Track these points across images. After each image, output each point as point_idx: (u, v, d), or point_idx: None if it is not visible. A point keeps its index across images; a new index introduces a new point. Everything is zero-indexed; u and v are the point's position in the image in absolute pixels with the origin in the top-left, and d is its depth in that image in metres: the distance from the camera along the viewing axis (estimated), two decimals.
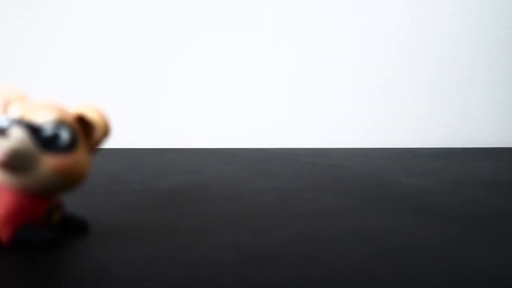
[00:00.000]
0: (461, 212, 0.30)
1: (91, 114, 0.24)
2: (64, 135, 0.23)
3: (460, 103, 0.72)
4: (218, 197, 0.35)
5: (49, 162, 0.22)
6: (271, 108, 0.72)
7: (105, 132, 0.24)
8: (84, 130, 0.24)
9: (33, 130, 0.22)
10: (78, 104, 0.24)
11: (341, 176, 0.45)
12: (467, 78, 0.72)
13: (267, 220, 0.28)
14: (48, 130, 0.22)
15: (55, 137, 0.22)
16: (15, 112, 0.23)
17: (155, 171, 0.47)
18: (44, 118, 0.22)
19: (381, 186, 0.39)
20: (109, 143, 0.64)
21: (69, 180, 0.23)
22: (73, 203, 0.32)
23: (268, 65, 0.71)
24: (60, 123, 0.23)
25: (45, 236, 0.23)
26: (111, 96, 0.70)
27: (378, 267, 0.20)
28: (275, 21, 0.71)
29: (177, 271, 0.19)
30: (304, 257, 0.21)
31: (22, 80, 0.69)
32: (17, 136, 0.21)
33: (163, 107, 0.71)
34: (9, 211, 0.22)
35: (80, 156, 0.23)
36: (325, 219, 0.28)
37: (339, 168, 0.50)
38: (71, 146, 0.23)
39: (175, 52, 0.71)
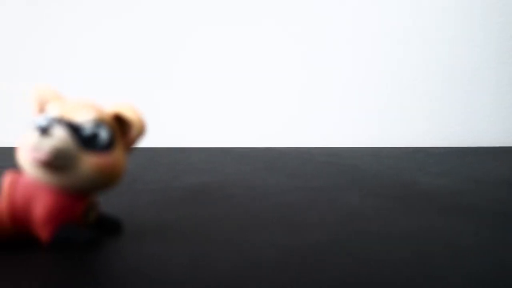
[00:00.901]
0: (489, 211, 0.30)
1: (128, 113, 0.23)
2: (103, 134, 0.22)
3: (469, 102, 0.72)
4: (241, 196, 0.35)
5: (89, 162, 0.22)
6: (279, 108, 0.72)
7: (141, 131, 0.24)
8: (120, 129, 0.24)
9: (74, 129, 0.22)
10: (114, 103, 0.24)
11: (358, 175, 0.45)
12: (477, 78, 0.72)
13: (299, 219, 0.28)
14: (88, 129, 0.22)
15: (94, 136, 0.22)
16: (54, 111, 0.22)
17: (170, 170, 0.47)
18: (84, 117, 0.22)
19: (401, 185, 0.39)
20: None
21: (107, 179, 0.23)
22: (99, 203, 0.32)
23: (277, 64, 0.71)
24: (99, 122, 0.23)
25: (84, 235, 0.23)
26: (122, 95, 0.70)
27: (425, 267, 0.20)
28: (287, 20, 0.71)
29: (219, 271, 0.19)
30: (348, 256, 0.21)
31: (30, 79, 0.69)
32: (60, 135, 0.21)
33: (172, 106, 0.71)
34: (50, 211, 0.22)
35: (118, 155, 0.23)
36: (357, 218, 0.28)
37: (354, 167, 0.50)
38: (109, 145, 0.23)
39: (187, 53, 0.71)
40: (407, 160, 0.55)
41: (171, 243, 0.23)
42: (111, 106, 0.24)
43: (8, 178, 0.22)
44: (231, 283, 0.18)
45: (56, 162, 0.21)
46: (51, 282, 0.18)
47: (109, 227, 0.25)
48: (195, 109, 0.70)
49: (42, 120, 0.22)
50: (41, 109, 0.24)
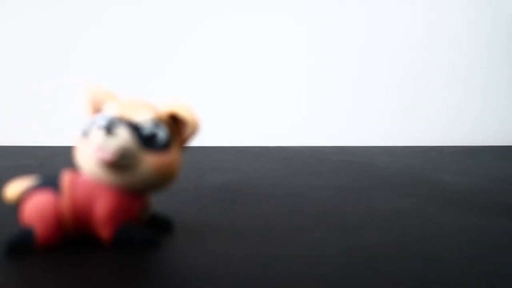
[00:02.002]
0: None
1: (183, 112, 0.23)
2: (161, 134, 0.23)
3: (479, 102, 0.73)
4: (275, 195, 0.35)
5: (149, 161, 0.22)
6: (291, 107, 0.72)
7: (196, 130, 0.24)
8: (174, 128, 0.24)
9: (134, 129, 0.22)
10: (169, 102, 0.24)
11: (381, 174, 0.45)
12: (488, 77, 0.73)
13: (343, 219, 0.28)
14: (147, 129, 0.22)
15: (153, 136, 0.22)
16: (113, 110, 0.22)
17: (195, 170, 0.47)
18: (143, 117, 0.22)
19: (428, 185, 0.40)
20: None
21: (165, 179, 0.23)
22: None
23: (288, 64, 0.71)
24: (158, 122, 0.23)
25: (143, 233, 0.23)
26: (137, 94, 0.70)
27: (486, 267, 0.20)
28: (299, 20, 0.71)
29: (280, 268, 0.20)
30: (412, 256, 0.21)
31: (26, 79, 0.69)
32: (123, 134, 0.21)
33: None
34: (111, 210, 0.22)
35: (174, 154, 0.23)
36: (401, 218, 0.29)
37: (372, 166, 0.50)
38: (167, 144, 0.23)
39: (203, 55, 0.71)
40: (422, 159, 0.56)
41: (229, 241, 0.24)
42: (166, 105, 0.24)
43: (67, 177, 0.22)
44: (301, 281, 0.18)
45: (120, 162, 0.21)
46: (114, 280, 0.18)
47: (161, 225, 0.25)
48: (207, 109, 0.70)
49: (102, 120, 0.22)
50: (95, 109, 0.24)
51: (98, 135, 0.21)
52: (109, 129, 0.21)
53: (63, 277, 0.19)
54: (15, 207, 0.24)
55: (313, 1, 0.72)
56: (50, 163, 0.52)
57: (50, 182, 0.22)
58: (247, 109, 0.71)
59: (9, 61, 0.69)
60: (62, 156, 0.57)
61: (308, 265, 0.20)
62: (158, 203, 0.32)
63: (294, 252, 0.22)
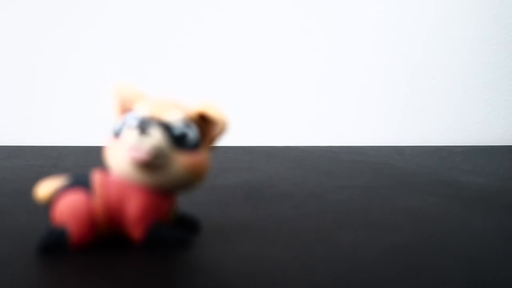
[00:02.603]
0: None
1: (212, 112, 0.23)
2: (192, 134, 0.22)
3: (487, 101, 0.73)
4: (295, 195, 0.35)
5: (181, 161, 0.22)
6: (298, 106, 0.72)
7: (225, 130, 0.24)
8: (203, 127, 0.24)
9: (166, 128, 0.22)
10: (198, 101, 0.24)
11: (396, 173, 0.45)
12: (495, 77, 0.73)
13: (370, 219, 0.28)
14: (178, 128, 0.22)
15: (184, 136, 0.22)
16: (144, 110, 0.22)
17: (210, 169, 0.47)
18: (174, 117, 0.22)
19: (446, 184, 0.40)
20: None
21: (196, 178, 0.23)
22: None
23: (296, 63, 0.71)
24: (188, 121, 0.23)
25: (175, 234, 0.23)
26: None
27: None
28: (309, 20, 0.71)
29: (320, 270, 0.20)
30: (448, 256, 0.21)
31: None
32: (157, 134, 0.21)
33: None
34: (143, 210, 0.22)
35: (204, 154, 0.23)
36: (429, 217, 0.29)
37: (386, 165, 0.51)
38: (197, 144, 0.23)
39: (206, 52, 0.71)
40: (434, 158, 0.56)
41: (258, 242, 0.24)
42: (194, 104, 0.24)
43: (98, 177, 0.22)
44: (347, 284, 0.18)
45: (154, 162, 0.21)
46: (146, 279, 0.18)
47: (188, 225, 0.25)
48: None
49: (134, 120, 0.22)
50: (124, 108, 0.24)
51: (131, 135, 0.21)
52: (143, 128, 0.21)
53: (96, 277, 0.19)
54: (40, 205, 0.24)
55: (324, 1, 0.72)
56: (62, 163, 0.52)
57: (81, 181, 0.22)
58: (255, 109, 0.71)
59: (18, 61, 0.69)
60: (73, 156, 0.57)
61: (348, 266, 0.20)
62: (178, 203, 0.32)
63: (329, 253, 0.22)
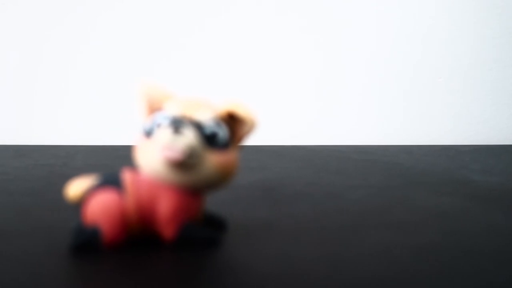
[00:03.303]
0: None
1: (241, 111, 0.23)
2: (222, 133, 0.23)
3: (494, 101, 0.73)
4: (311, 194, 0.35)
5: (212, 160, 0.22)
6: (303, 105, 0.72)
7: (253, 129, 0.24)
8: (231, 126, 0.24)
9: (198, 127, 0.22)
10: (226, 100, 0.24)
11: (407, 173, 0.45)
12: (500, 76, 0.73)
13: (390, 218, 0.28)
14: (208, 127, 0.22)
15: (215, 135, 0.22)
16: (175, 109, 0.22)
17: None
18: (205, 116, 0.22)
19: (460, 183, 0.40)
20: None
21: (227, 177, 0.23)
22: None
23: (301, 62, 0.71)
24: (218, 120, 0.23)
25: (206, 233, 0.23)
26: None
27: None
28: (312, 19, 0.71)
29: (351, 269, 0.20)
30: (476, 254, 0.22)
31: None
32: (190, 133, 0.21)
33: None
34: (174, 209, 0.22)
35: (233, 153, 0.23)
36: (451, 216, 0.29)
37: (396, 164, 0.51)
38: (227, 143, 0.23)
39: (211, 52, 0.71)
40: (442, 157, 0.56)
41: (285, 241, 0.24)
42: (223, 103, 0.24)
43: (128, 176, 0.22)
44: (380, 283, 0.18)
45: (187, 161, 0.21)
46: (176, 279, 0.18)
47: (215, 224, 0.25)
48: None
49: (165, 119, 0.22)
50: (151, 108, 0.24)
51: (164, 134, 0.21)
52: (177, 128, 0.21)
53: (127, 276, 0.19)
54: (66, 204, 0.24)
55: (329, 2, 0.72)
56: (72, 162, 0.52)
57: (111, 181, 0.22)
58: (262, 108, 0.71)
59: (23, 61, 0.69)
60: (81, 155, 0.57)
61: (381, 265, 0.20)
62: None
63: (359, 252, 0.22)
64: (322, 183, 0.40)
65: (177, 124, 0.21)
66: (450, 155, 0.58)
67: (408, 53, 0.73)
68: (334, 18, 0.72)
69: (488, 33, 0.73)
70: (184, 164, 0.21)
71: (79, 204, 0.22)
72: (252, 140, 0.69)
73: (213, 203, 0.30)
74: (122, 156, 0.56)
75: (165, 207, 0.22)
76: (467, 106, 0.73)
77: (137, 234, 0.22)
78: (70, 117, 0.69)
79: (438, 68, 0.73)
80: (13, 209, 0.29)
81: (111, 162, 0.52)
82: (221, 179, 0.23)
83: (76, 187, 0.22)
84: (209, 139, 0.22)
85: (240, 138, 0.24)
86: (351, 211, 0.30)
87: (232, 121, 0.24)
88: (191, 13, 0.70)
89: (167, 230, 0.22)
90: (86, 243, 0.21)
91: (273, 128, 0.70)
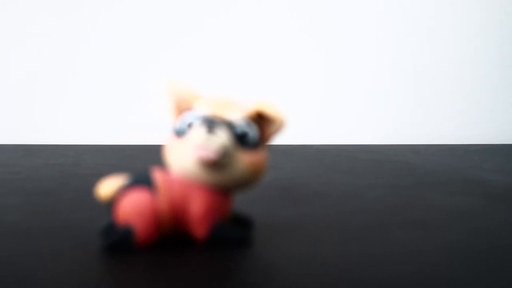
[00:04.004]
0: None
1: (270, 110, 0.23)
2: (252, 132, 0.23)
3: (501, 101, 0.73)
4: (328, 194, 0.35)
5: (243, 159, 0.22)
6: (311, 105, 0.72)
7: (282, 128, 0.24)
8: (260, 126, 0.24)
9: (230, 127, 0.22)
10: (254, 99, 0.24)
11: (419, 172, 0.45)
12: (504, 76, 0.73)
13: (411, 217, 0.29)
14: (239, 127, 0.22)
15: (245, 134, 0.22)
16: (205, 109, 0.22)
17: None
18: (236, 116, 0.22)
19: (473, 182, 0.40)
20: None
21: (257, 177, 0.23)
22: None
23: (307, 61, 0.72)
24: (249, 120, 0.23)
25: (237, 232, 0.23)
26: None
27: None
28: (316, 19, 0.71)
29: (379, 267, 0.20)
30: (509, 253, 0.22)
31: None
32: (223, 133, 0.21)
33: None
34: (206, 209, 0.22)
35: (263, 152, 0.23)
36: (473, 216, 0.29)
37: (406, 164, 0.51)
38: (257, 142, 0.23)
39: (213, 51, 0.71)
40: (451, 157, 0.56)
41: (311, 240, 0.24)
42: (251, 103, 0.24)
43: (159, 176, 0.22)
44: (407, 280, 0.18)
45: (221, 160, 0.21)
46: (209, 278, 0.18)
47: (242, 223, 0.25)
48: None
49: (196, 119, 0.22)
50: (178, 107, 0.24)
51: (198, 134, 0.21)
52: (211, 127, 0.21)
53: (161, 276, 0.19)
54: (99, 204, 0.24)
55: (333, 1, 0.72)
56: (82, 161, 0.52)
57: (142, 180, 0.22)
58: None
59: (33, 61, 0.69)
60: (90, 155, 0.57)
61: (411, 264, 0.20)
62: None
63: (386, 251, 0.22)
64: (336, 183, 0.40)
65: (210, 124, 0.21)
66: (459, 155, 0.59)
67: (415, 52, 0.73)
68: (339, 18, 0.72)
69: (495, 31, 0.73)
70: (217, 163, 0.21)
71: (110, 203, 0.22)
72: None
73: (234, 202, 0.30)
74: (130, 155, 0.56)
75: (197, 206, 0.22)
76: (474, 105, 0.74)
77: (168, 234, 0.22)
78: (74, 117, 0.69)
79: (444, 67, 0.73)
80: (33, 209, 0.29)
81: (120, 162, 0.52)
82: (252, 178, 0.23)
83: (107, 187, 0.22)
84: (240, 139, 0.22)
85: (268, 137, 0.24)
86: (371, 210, 0.30)
87: (261, 121, 0.24)
88: (191, 13, 0.70)
89: (199, 230, 0.22)
90: (119, 242, 0.21)
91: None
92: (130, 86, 0.70)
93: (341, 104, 0.73)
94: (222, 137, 0.21)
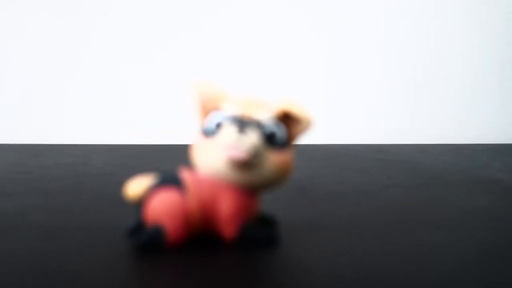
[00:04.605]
0: None
1: (297, 110, 0.23)
2: (280, 132, 0.23)
3: (507, 100, 0.74)
4: (343, 193, 0.35)
5: (273, 159, 0.22)
6: (314, 104, 0.72)
7: (309, 127, 0.24)
8: (286, 125, 0.24)
9: (259, 127, 0.22)
10: (280, 99, 0.24)
11: (430, 172, 0.45)
12: (508, 76, 0.73)
13: (433, 215, 0.29)
14: (269, 127, 0.22)
15: (274, 134, 0.22)
16: (233, 109, 0.22)
17: None
18: (264, 115, 0.22)
19: (486, 182, 0.40)
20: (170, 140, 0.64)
21: (285, 176, 0.23)
22: None
23: (316, 59, 0.72)
24: (277, 120, 0.23)
25: (265, 232, 0.23)
26: (174, 96, 0.70)
27: None
28: (321, 16, 0.71)
29: (400, 266, 0.20)
30: None
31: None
32: (253, 133, 0.21)
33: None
34: (235, 209, 0.22)
35: (290, 152, 0.23)
36: (498, 216, 0.29)
37: (415, 163, 0.51)
38: (285, 142, 0.23)
39: (213, 53, 0.70)
40: (459, 156, 0.56)
41: (336, 239, 0.24)
42: (278, 102, 0.24)
43: (188, 176, 0.22)
44: (448, 280, 0.18)
45: (251, 160, 0.21)
46: (239, 278, 0.18)
47: (267, 223, 0.25)
48: None
49: (225, 119, 0.22)
50: (205, 107, 0.24)
51: (229, 134, 0.21)
52: (242, 127, 0.21)
53: (191, 275, 0.19)
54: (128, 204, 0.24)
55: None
56: (91, 161, 0.52)
57: (171, 180, 0.22)
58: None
59: (37, 61, 0.68)
60: (98, 154, 0.57)
61: (444, 263, 0.20)
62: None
63: (417, 250, 0.22)
64: (351, 182, 0.40)
65: (241, 124, 0.21)
66: (466, 154, 0.59)
67: (421, 51, 0.73)
68: (344, 16, 0.72)
69: (501, 29, 0.73)
70: (247, 163, 0.21)
71: (139, 203, 0.22)
72: None
73: None
74: (138, 155, 0.56)
75: (227, 206, 0.22)
76: (479, 104, 0.74)
77: (197, 234, 0.22)
78: (79, 117, 0.69)
79: (449, 66, 0.73)
80: (56, 209, 0.29)
81: (129, 161, 0.52)
82: (280, 178, 0.23)
83: (135, 186, 0.22)
84: (269, 139, 0.22)
85: (294, 137, 0.24)
86: (392, 209, 0.30)
87: (287, 120, 0.24)
88: (190, 13, 0.70)
89: (228, 230, 0.22)
90: (150, 242, 0.21)
91: None
92: (133, 87, 0.70)
93: (346, 104, 0.73)
94: (252, 137, 0.21)
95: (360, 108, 0.73)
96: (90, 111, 0.69)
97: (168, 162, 0.51)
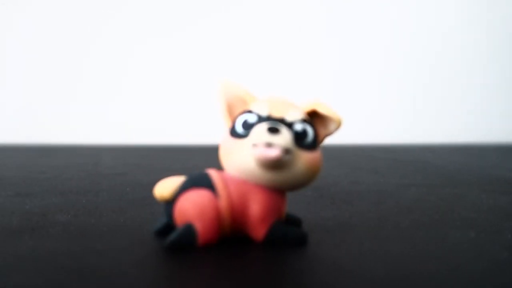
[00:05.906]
0: None
1: (327, 110, 0.23)
2: (310, 133, 0.22)
3: (505, 100, 0.74)
4: (360, 193, 0.35)
5: (303, 159, 0.22)
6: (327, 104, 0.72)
7: (339, 127, 0.24)
8: (315, 126, 0.24)
9: (290, 127, 0.22)
10: (309, 100, 0.24)
11: (443, 172, 0.45)
12: (509, 77, 0.73)
13: (452, 215, 0.29)
14: (299, 127, 0.22)
15: (304, 134, 0.22)
16: (262, 110, 0.22)
17: None
18: (294, 116, 0.22)
19: (499, 181, 0.40)
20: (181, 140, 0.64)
21: (314, 176, 0.23)
22: None
23: (324, 60, 0.72)
24: (306, 120, 0.23)
25: (295, 232, 0.23)
26: (181, 97, 0.69)
27: None
28: (332, 14, 0.71)
29: (433, 266, 0.20)
30: None
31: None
32: (286, 133, 0.21)
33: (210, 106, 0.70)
34: (265, 209, 0.22)
35: (319, 152, 0.23)
36: None
37: (426, 163, 0.51)
38: (315, 142, 0.23)
39: (216, 52, 0.70)
40: (469, 156, 0.56)
41: (361, 239, 0.24)
42: (307, 103, 0.24)
43: (217, 176, 0.22)
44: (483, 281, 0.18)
45: (284, 160, 0.21)
46: (267, 278, 0.18)
47: (294, 223, 0.25)
48: None
49: (255, 119, 0.22)
50: (230, 107, 0.24)
51: (262, 134, 0.21)
52: (274, 128, 0.21)
53: (223, 275, 0.19)
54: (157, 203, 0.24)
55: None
56: (102, 161, 0.52)
57: (201, 181, 0.22)
58: None
59: (48, 62, 0.68)
60: (106, 155, 0.57)
61: (480, 264, 0.20)
62: None
63: (449, 249, 0.22)
64: (366, 182, 0.40)
65: (273, 124, 0.21)
66: (474, 154, 0.59)
67: (430, 52, 0.73)
68: (356, 15, 0.72)
69: (510, 29, 0.73)
70: (279, 163, 0.21)
71: (169, 203, 0.22)
72: None
73: None
74: (146, 155, 0.56)
75: (256, 207, 0.22)
76: (485, 105, 0.74)
77: (226, 233, 0.22)
78: (86, 118, 0.69)
79: (458, 66, 0.73)
80: (78, 209, 0.29)
81: (140, 161, 0.51)
82: (310, 178, 0.22)
83: (165, 187, 0.22)
84: (299, 139, 0.22)
85: (323, 138, 0.24)
86: (412, 209, 0.30)
87: (316, 121, 0.23)
88: (188, 15, 0.70)
89: (258, 230, 0.22)
90: (181, 241, 0.21)
91: None
92: (137, 88, 0.70)
93: (352, 104, 0.73)
94: (285, 137, 0.21)
95: (367, 108, 0.73)
96: (96, 113, 0.69)
97: (176, 163, 0.51)
